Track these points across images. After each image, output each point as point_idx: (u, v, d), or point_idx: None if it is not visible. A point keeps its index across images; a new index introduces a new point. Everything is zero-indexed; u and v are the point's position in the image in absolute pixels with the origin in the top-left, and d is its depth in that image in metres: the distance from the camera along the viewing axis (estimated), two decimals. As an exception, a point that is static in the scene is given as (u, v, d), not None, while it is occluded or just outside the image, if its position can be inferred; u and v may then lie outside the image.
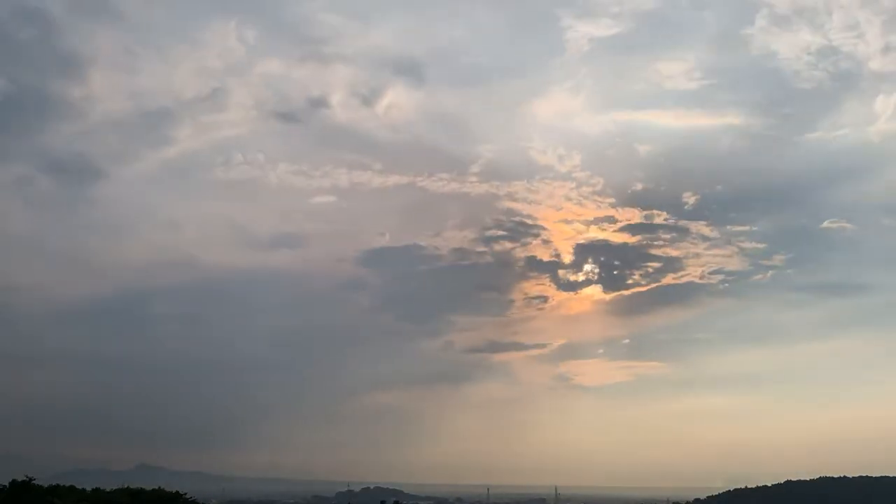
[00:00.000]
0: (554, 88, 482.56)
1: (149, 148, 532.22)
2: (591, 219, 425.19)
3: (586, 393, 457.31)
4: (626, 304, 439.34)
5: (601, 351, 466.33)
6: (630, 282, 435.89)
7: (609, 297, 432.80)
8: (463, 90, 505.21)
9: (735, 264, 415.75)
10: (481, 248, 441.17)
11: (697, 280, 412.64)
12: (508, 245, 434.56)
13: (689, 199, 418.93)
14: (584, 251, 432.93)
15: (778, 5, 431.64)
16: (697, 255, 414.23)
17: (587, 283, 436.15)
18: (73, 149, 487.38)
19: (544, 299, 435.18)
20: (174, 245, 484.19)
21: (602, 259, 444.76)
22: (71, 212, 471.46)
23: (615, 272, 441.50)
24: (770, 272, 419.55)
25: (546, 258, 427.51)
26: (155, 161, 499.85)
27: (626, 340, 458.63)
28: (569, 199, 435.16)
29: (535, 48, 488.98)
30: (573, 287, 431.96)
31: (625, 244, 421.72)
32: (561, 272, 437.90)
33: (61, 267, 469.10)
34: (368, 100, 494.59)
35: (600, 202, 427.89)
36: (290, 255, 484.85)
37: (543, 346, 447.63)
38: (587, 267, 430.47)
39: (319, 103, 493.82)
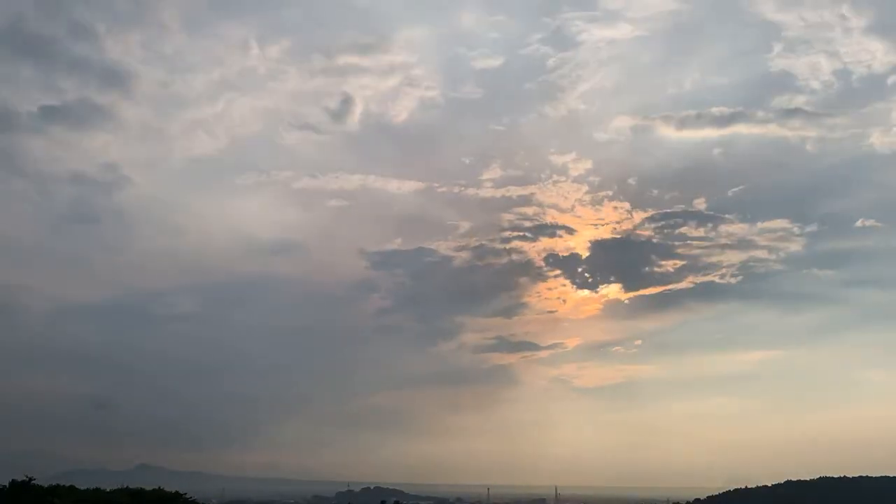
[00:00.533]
0: (569, 92, 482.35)
1: (168, 154, 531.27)
2: (607, 221, 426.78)
3: (593, 393, 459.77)
4: (642, 304, 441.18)
5: (611, 351, 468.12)
6: (648, 282, 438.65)
7: (626, 297, 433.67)
8: (477, 95, 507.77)
9: (754, 265, 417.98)
10: (496, 250, 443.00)
11: (718, 280, 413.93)
12: (523, 247, 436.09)
13: (705, 203, 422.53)
14: (601, 253, 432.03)
15: (794, 28, 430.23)
16: (719, 256, 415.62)
17: (604, 283, 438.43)
18: (96, 157, 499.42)
19: (560, 301, 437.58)
20: (182, 247, 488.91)
21: (620, 260, 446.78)
22: (84, 215, 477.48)
23: (633, 272, 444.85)
24: (786, 273, 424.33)
25: (562, 260, 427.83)
26: (174, 167, 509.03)
27: (638, 341, 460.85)
28: (583, 202, 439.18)
29: (549, 52, 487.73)
30: (590, 287, 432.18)
31: (642, 245, 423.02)
32: (577, 274, 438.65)
33: (65, 268, 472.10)
34: (384, 108, 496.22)
35: (617, 206, 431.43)
36: (301, 258, 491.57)
37: (555, 346, 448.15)
38: (604, 268, 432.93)
39: (336, 112, 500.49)
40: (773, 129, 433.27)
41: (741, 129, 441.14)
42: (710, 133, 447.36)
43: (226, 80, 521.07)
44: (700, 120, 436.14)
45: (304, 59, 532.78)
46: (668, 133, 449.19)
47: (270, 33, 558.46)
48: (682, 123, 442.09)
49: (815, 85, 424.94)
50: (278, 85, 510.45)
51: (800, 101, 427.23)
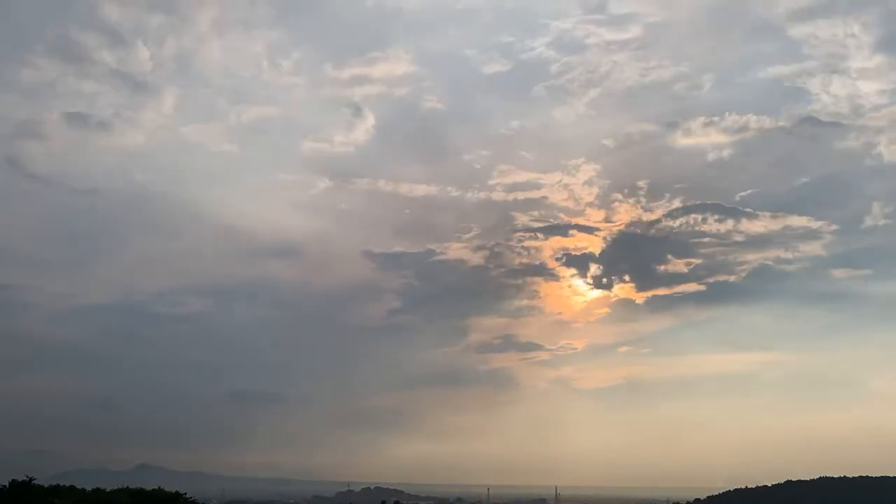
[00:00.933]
0: (578, 97, 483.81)
1: (180, 159, 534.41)
2: (619, 222, 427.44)
3: (597, 394, 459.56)
4: (654, 304, 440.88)
5: (619, 352, 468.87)
6: (661, 282, 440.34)
7: (638, 297, 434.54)
8: (486, 100, 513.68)
9: (768, 267, 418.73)
10: (508, 251, 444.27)
11: (731, 280, 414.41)
12: (535, 247, 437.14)
13: (716, 204, 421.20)
14: (613, 252, 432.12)
15: (806, 42, 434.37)
16: (733, 255, 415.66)
17: (617, 283, 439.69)
18: (107, 161, 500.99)
19: (571, 300, 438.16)
20: (188, 249, 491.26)
21: (633, 259, 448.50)
22: (95, 218, 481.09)
23: (646, 272, 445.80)
24: (798, 275, 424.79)
25: (574, 259, 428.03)
26: (185, 171, 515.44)
27: (648, 341, 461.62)
28: (593, 205, 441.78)
29: (557, 56, 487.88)
30: (603, 287, 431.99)
31: (655, 245, 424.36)
32: (588, 275, 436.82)
33: (66, 269, 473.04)
34: (395, 114, 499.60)
35: (629, 209, 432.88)
36: (308, 260, 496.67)
37: (564, 347, 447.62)
38: (616, 268, 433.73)
39: (347, 119, 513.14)
40: (783, 136, 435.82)
41: (752, 135, 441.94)
42: (720, 139, 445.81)
43: (238, 89, 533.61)
44: (710, 126, 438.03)
45: (315, 68, 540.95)
46: (678, 138, 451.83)
47: (283, 45, 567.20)
48: (692, 130, 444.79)
49: (826, 97, 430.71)
50: (291, 94, 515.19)
51: (811, 109, 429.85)
